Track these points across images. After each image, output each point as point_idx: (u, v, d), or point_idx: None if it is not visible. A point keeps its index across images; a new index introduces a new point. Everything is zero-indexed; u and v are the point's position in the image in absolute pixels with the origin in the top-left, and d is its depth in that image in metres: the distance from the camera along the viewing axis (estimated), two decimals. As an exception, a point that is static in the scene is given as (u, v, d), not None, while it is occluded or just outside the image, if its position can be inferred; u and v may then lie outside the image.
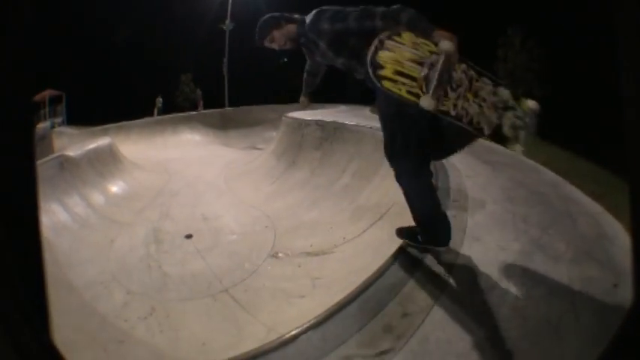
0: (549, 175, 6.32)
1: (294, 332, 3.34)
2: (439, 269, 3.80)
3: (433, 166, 4.19)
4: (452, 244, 4.01)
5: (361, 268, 5.58)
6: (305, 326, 3.39)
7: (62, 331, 4.95)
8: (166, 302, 6.03)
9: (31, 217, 1.45)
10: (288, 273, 6.43)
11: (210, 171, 13.52)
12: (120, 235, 8.57)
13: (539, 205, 4.73)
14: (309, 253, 6.84)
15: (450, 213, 4.61)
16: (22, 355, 1.24)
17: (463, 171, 6.51)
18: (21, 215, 1.37)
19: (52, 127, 19.49)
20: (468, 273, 3.67)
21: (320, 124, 11.23)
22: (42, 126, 18.17)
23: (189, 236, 8.28)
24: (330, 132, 10.64)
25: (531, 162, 7.25)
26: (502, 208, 4.87)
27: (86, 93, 22.63)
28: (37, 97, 21.21)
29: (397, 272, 3.89)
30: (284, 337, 3.34)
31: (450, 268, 3.78)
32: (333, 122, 10.94)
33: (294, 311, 5.23)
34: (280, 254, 7.08)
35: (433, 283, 3.63)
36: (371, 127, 9.68)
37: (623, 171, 1.27)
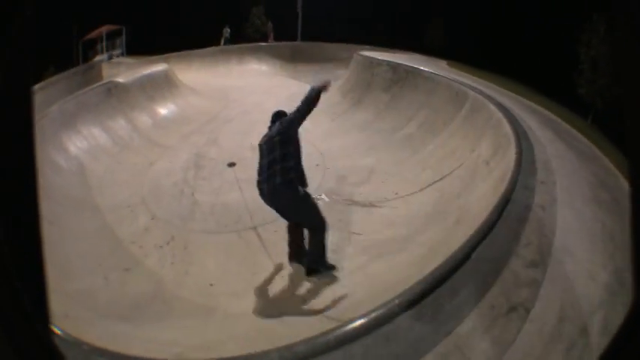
0: (625, 184, 5.07)
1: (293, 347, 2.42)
2: (516, 297, 2.77)
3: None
4: (536, 253, 3.16)
5: (407, 236, 4.83)
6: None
7: (69, 256, 4.55)
8: (188, 233, 5.55)
9: (31, 217, 1.34)
10: (327, 220, 5.71)
11: (270, 100, 12.65)
12: (161, 159, 8.19)
13: (622, 221, 3.82)
14: (355, 202, 6.09)
15: (538, 199, 3.77)
16: (22, 355, 1.24)
17: (548, 147, 5.35)
18: (21, 215, 1.31)
19: (110, 58, 19.16)
20: (550, 309, 2.67)
21: (392, 65, 10.27)
22: (98, 59, 18.02)
23: (231, 164, 7.71)
24: (402, 75, 9.68)
25: (607, 161, 6.00)
26: (591, 212, 3.95)
27: (150, 25, 22.23)
28: (94, 34, 21.15)
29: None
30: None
31: (532, 292, 2.81)
32: (406, 65, 9.93)
33: (319, 267, 4.57)
34: (324, 197, 6.34)
35: (498, 326, 2.61)
36: (447, 77, 8.71)
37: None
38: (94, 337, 2.66)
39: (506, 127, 5.42)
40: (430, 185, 5.92)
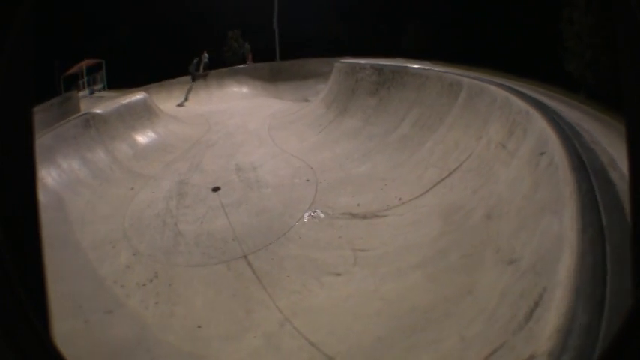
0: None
1: None
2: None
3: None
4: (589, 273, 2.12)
5: (422, 244, 4.24)
6: None
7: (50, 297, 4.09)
8: (172, 267, 4.95)
9: (31, 218, 1.35)
10: (325, 238, 5.10)
11: (253, 121, 12.35)
12: (143, 190, 7.62)
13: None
14: (354, 215, 5.50)
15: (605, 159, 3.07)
16: (22, 356, 1.23)
17: (569, 114, 4.73)
18: (21, 215, 1.33)
19: (92, 93, 19.25)
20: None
21: (376, 68, 9.83)
22: (80, 94, 17.90)
23: (216, 189, 7.15)
24: (388, 76, 9.21)
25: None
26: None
27: (129, 58, 22.14)
28: (74, 69, 21.00)
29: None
30: None
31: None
32: (391, 65, 9.49)
33: (323, 296, 3.92)
34: (320, 213, 5.75)
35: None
36: (437, 70, 8.25)
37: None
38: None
39: (519, 102, 4.87)
40: (437, 184, 5.33)
